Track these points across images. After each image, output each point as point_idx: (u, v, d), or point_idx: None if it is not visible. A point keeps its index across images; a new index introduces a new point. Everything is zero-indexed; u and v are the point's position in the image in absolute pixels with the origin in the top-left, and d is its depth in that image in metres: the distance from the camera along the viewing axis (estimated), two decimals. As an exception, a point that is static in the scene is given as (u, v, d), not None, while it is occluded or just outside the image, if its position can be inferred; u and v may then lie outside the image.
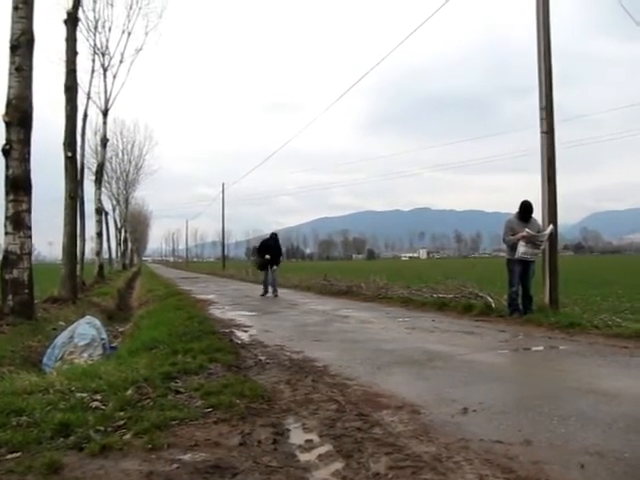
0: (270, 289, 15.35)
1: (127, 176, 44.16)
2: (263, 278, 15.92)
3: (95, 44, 22.39)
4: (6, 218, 9.09)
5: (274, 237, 16.10)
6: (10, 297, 9.00)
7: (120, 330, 10.75)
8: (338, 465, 2.70)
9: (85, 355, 7.24)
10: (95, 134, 29.39)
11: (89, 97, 22.10)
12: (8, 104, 9.09)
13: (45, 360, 7.18)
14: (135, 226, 72.43)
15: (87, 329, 7.75)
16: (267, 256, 15.39)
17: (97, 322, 8.28)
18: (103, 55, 22.96)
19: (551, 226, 8.45)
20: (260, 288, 16.03)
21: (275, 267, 15.63)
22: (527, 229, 8.36)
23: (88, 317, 8.41)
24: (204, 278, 32.34)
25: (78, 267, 16.04)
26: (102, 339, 7.84)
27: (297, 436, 3.15)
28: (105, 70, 23.36)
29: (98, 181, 26.65)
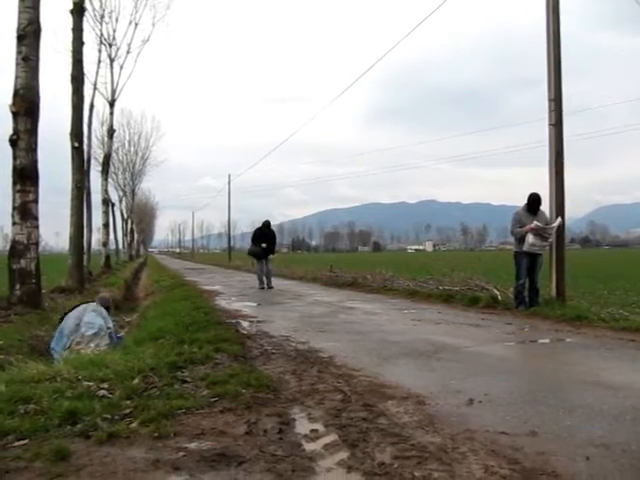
0: (265, 280, 14.75)
1: (134, 167, 44.39)
2: (258, 269, 15.18)
3: (102, 34, 22.50)
4: (13, 208, 9.13)
5: (267, 225, 15.34)
6: (17, 287, 9.06)
7: (127, 320, 10.81)
8: (343, 455, 2.71)
9: (92, 345, 7.27)
10: (102, 125, 29.50)
11: (96, 87, 22.22)
12: (15, 94, 9.11)
13: (52, 344, 7.24)
14: (141, 217, 72.68)
15: (94, 318, 7.75)
16: (264, 245, 14.82)
17: (103, 311, 8.27)
18: (110, 45, 23.06)
19: (559, 219, 8.41)
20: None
21: (271, 256, 15.19)
22: (535, 221, 8.32)
23: (93, 304, 8.35)
24: (210, 269, 32.41)
25: (85, 257, 16.14)
26: (108, 328, 7.87)
27: (303, 426, 3.16)
28: (112, 61, 23.46)
29: (105, 172, 26.74)
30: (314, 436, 2.98)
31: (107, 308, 8.98)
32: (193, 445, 2.81)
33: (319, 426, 3.13)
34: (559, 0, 8.41)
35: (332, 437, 2.95)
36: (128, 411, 3.28)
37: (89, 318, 7.68)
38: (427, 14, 11.75)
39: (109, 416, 3.17)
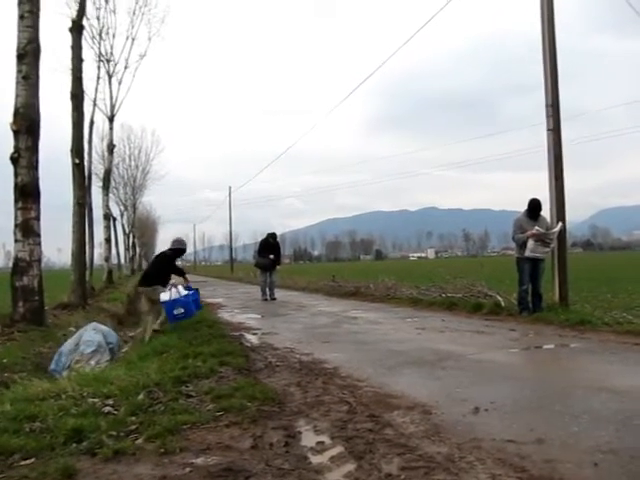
0: (267, 292, 14.74)
1: (134, 181, 44.41)
2: (261, 281, 15.15)
3: (100, 51, 22.58)
4: (15, 226, 9.15)
5: (273, 236, 15.30)
6: (21, 304, 9.06)
7: (130, 335, 10.78)
8: (350, 467, 2.70)
9: (92, 363, 7.26)
10: (102, 140, 29.55)
11: (95, 104, 22.28)
12: (16, 112, 9.17)
13: (52, 366, 7.23)
14: (143, 231, 72.59)
15: (92, 335, 7.78)
16: (271, 256, 14.77)
17: (103, 327, 8.32)
18: (108, 62, 23.16)
19: (560, 223, 8.41)
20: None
21: (278, 267, 15.24)
22: (536, 227, 8.32)
23: (94, 323, 8.44)
24: (212, 282, 32.42)
25: (87, 273, 16.12)
26: (109, 343, 7.85)
27: (309, 438, 3.15)
28: (110, 77, 23.56)
29: (105, 187, 26.79)
30: (320, 448, 2.97)
31: (183, 251, 9.08)
32: (199, 460, 2.81)
33: (325, 438, 3.13)
34: (554, 9, 8.47)
35: (338, 449, 2.95)
36: (133, 427, 3.28)
37: (87, 337, 7.71)
38: (424, 23, 11.82)
39: (115, 433, 3.16)
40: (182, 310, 8.13)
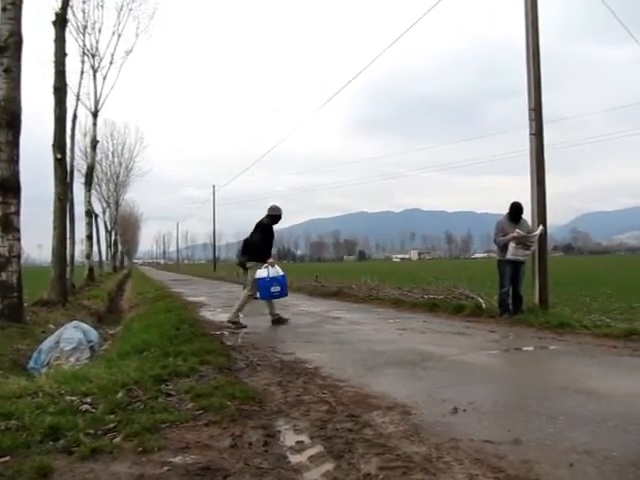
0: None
1: (117, 178, 43.99)
2: (244, 280, 15.22)
3: (84, 45, 22.25)
4: (-6, 221, 9.01)
5: None
6: (-1, 300, 8.92)
7: (110, 333, 10.68)
8: (329, 466, 2.71)
9: (72, 360, 7.21)
10: (85, 136, 29.21)
11: (78, 98, 21.97)
12: (-4, 106, 9.03)
13: (31, 364, 7.14)
14: (125, 228, 72.02)
15: (73, 333, 7.73)
16: None
17: (84, 325, 8.28)
18: (93, 56, 22.83)
19: (541, 227, 8.51)
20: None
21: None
22: (518, 230, 8.41)
23: (75, 322, 8.41)
24: (195, 280, 32.22)
25: (68, 270, 15.93)
26: (89, 342, 7.80)
27: (288, 437, 3.15)
28: (95, 71, 23.23)
29: (88, 183, 26.45)
30: (299, 448, 2.98)
31: (279, 218, 9.02)
32: (178, 459, 2.79)
33: (304, 438, 3.13)
34: (538, 14, 8.57)
35: (318, 449, 2.95)
36: (112, 426, 3.25)
37: (68, 334, 7.66)
38: (410, 25, 11.86)
39: (92, 431, 3.13)
40: (279, 288, 8.44)
